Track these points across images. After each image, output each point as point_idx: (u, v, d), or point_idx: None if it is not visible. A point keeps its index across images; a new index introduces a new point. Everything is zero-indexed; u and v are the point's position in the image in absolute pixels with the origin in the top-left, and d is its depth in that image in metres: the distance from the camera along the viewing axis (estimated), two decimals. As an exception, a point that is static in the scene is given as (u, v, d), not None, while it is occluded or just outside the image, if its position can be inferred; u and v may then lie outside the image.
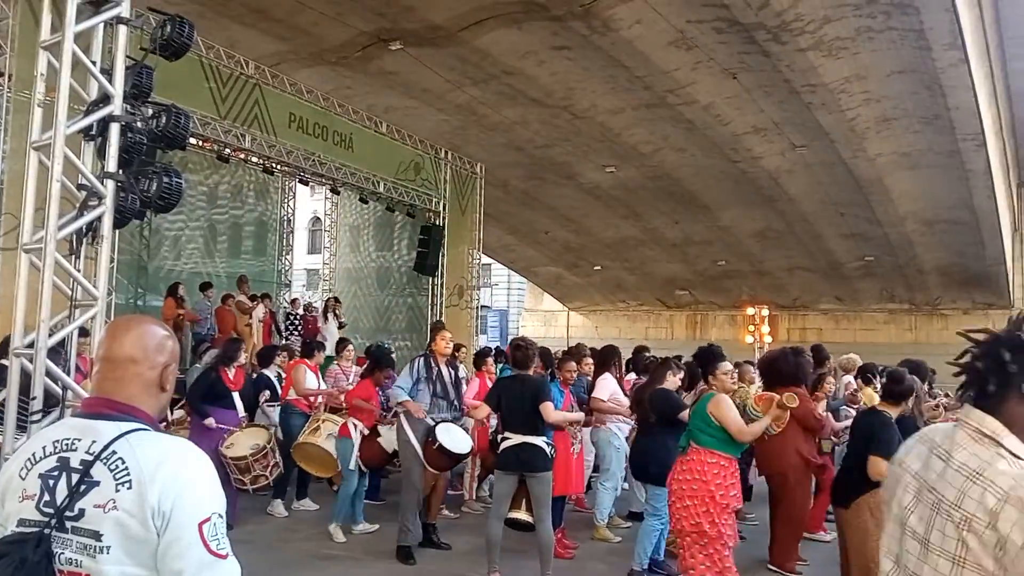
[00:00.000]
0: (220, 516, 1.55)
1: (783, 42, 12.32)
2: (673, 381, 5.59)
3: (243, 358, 7.02)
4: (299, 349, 9.21)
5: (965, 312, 24.00)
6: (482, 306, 35.00)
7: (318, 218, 27.46)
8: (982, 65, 14.63)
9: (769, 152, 16.78)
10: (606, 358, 6.80)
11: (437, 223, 14.23)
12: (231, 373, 6.77)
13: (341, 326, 13.49)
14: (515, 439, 5.10)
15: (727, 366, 4.94)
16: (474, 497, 7.65)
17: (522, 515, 5.14)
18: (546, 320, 30.99)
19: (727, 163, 17.41)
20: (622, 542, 6.44)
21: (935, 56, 12.65)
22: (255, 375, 7.92)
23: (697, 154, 17.08)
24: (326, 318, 13.46)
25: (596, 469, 7.26)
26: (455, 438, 5.86)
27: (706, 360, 5.10)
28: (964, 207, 18.24)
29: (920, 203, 18.52)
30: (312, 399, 7.41)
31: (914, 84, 13.71)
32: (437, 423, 5.84)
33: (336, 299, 14.05)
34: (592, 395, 6.63)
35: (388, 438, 6.21)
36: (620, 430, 6.60)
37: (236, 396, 6.73)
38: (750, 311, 22.79)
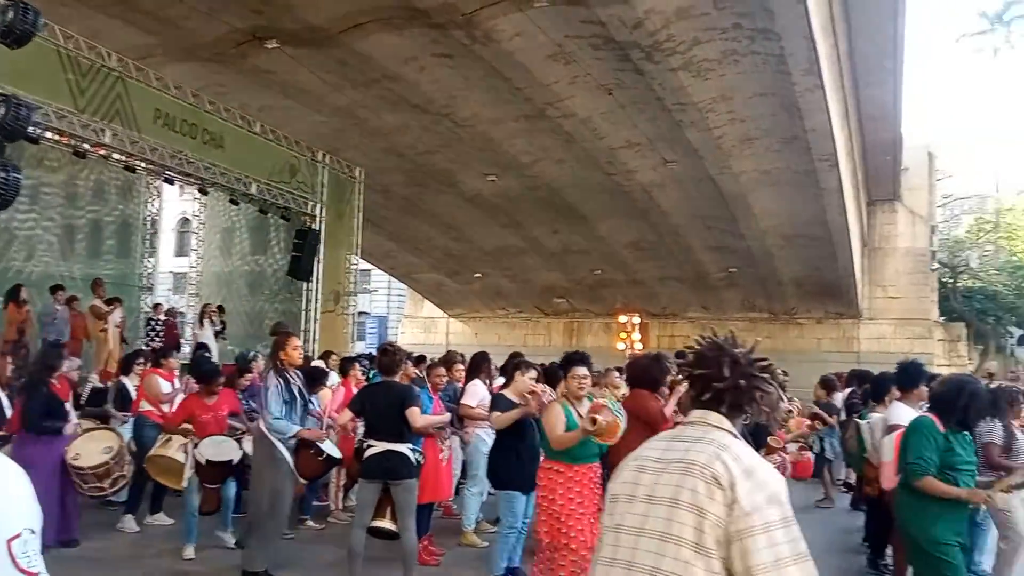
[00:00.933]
0: (32, 532, 1.47)
1: (656, 61, 12.82)
2: (523, 381, 5.61)
3: (66, 365, 6.60)
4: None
5: (818, 321, 25.66)
6: (360, 312, 34.43)
7: (187, 219, 26.30)
8: (836, 91, 15.70)
9: (643, 166, 17.40)
10: (476, 365, 6.85)
11: (313, 227, 13.92)
12: (57, 382, 6.32)
13: (218, 333, 13.00)
14: (379, 446, 5.05)
15: (580, 371, 4.92)
16: (340, 507, 7.52)
17: (386, 523, 5.09)
18: (426, 327, 30.88)
19: (603, 176, 17.93)
20: (489, 547, 6.49)
21: (794, 80, 13.48)
22: (110, 383, 7.52)
23: (575, 166, 17.50)
24: (202, 324, 12.94)
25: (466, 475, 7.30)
26: (331, 445, 5.87)
27: (565, 363, 5.10)
28: (818, 223, 19.49)
29: (779, 218, 19.65)
30: (169, 407, 7.06)
31: (775, 106, 14.56)
32: None
33: (220, 307, 13.60)
34: (461, 401, 6.66)
35: (204, 449, 5.96)
36: (489, 435, 6.64)
37: (68, 405, 6.37)
38: (623, 319, 23.53)
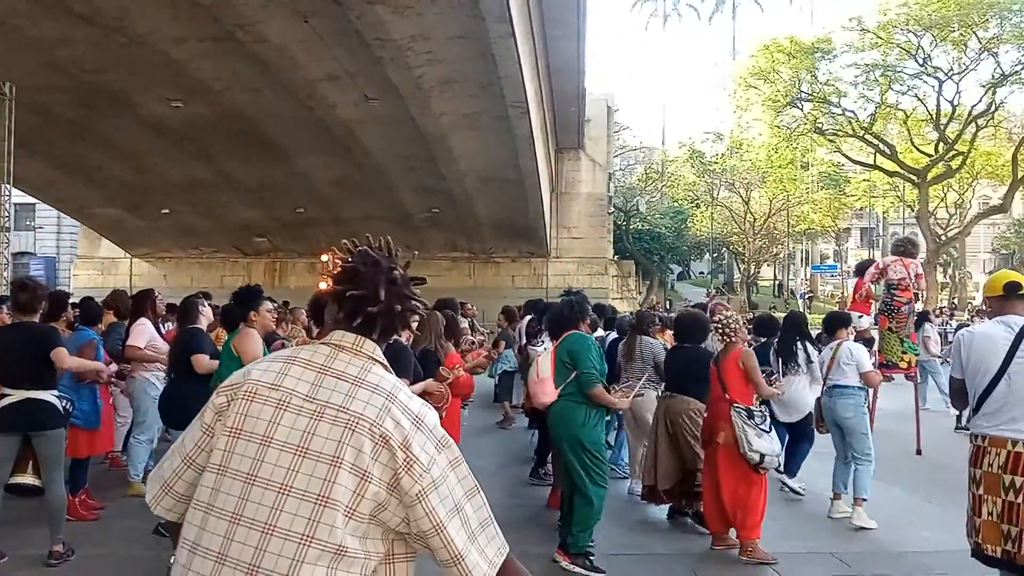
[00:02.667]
0: None
1: (353, -9, 12.47)
2: (206, 314, 5.40)
3: None
4: None
5: (513, 260, 27.41)
6: (22, 252, 30.21)
7: None
8: (526, 41, 16.49)
9: (344, 102, 16.99)
10: (139, 303, 6.32)
11: (-53, 149, 11.78)
12: None
13: None
14: (16, 395, 4.48)
15: (269, 304, 4.97)
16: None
17: (28, 479, 4.56)
18: (105, 268, 27.90)
19: (303, 109, 17.24)
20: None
21: (488, 27, 13.88)
22: None
23: (271, 97, 16.59)
24: None
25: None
26: None
27: (248, 298, 5.02)
28: (512, 167, 20.59)
29: (477, 162, 20.43)
30: None
31: (471, 51, 14.92)
32: None
33: None
34: (127, 343, 6.11)
35: None
36: (158, 379, 6.19)
37: None
38: (325, 258, 23.20)
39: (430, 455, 1.64)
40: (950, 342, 11.68)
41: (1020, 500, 3.48)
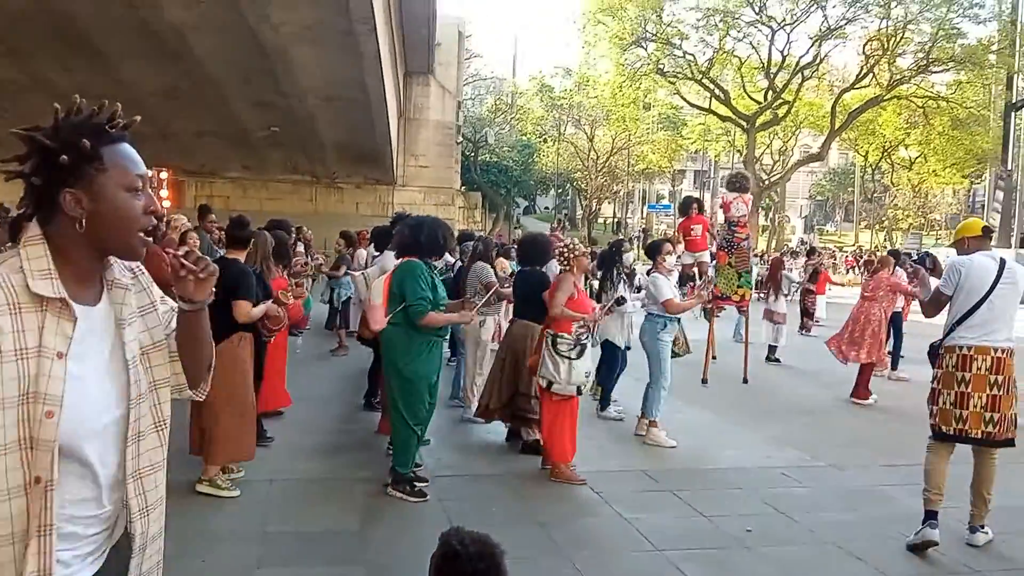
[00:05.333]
0: None
1: None
2: None
3: None
4: None
5: (358, 186, 26.69)
6: None
7: None
8: (375, -47, 15.77)
9: (171, 3, 15.63)
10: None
11: None
12: None
13: None
14: None
15: None
16: None
17: None
18: None
19: (125, 7, 15.70)
20: None
21: (331, -70, 13.14)
22: None
23: (87, -9, 15.02)
24: None
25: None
26: None
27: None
28: (358, 88, 19.85)
29: (320, 79, 19.52)
30: None
31: (314, -44, 14.11)
32: None
33: None
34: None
35: None
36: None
37: None
38: (148, 174, 21.64)
39: None
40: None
41: (1001, 393, 4.41)
